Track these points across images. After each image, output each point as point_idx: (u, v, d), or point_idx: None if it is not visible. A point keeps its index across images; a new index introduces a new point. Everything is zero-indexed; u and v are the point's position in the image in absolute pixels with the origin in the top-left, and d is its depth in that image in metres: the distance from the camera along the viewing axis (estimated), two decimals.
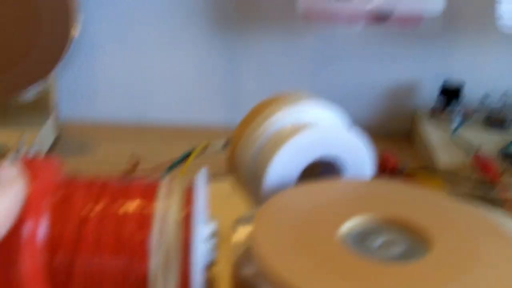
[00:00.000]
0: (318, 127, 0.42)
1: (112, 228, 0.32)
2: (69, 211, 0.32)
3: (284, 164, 0.41)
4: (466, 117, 0.66)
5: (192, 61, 0.69)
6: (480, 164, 0.55)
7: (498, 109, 0.66)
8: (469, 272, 0.32)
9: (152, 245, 0.31)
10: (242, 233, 0.38)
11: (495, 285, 0.31)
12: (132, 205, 0.33)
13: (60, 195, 0.33)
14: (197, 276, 0.30)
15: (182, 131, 0.71)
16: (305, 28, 0.63)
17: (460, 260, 0.33)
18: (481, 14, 0.66)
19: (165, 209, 0.32)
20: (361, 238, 0.35)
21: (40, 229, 0.31)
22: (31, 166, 0.32)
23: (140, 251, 0.31)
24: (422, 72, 0.70)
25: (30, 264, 0.30)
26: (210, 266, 0.33)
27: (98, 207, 0.33)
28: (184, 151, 0.61)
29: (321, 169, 0.43)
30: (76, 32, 0.58)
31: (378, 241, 0.35)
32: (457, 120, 0.65)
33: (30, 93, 0.62)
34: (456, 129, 0.64)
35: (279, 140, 0.42)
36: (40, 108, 0.65)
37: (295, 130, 0.42)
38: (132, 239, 0.31)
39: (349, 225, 0.36)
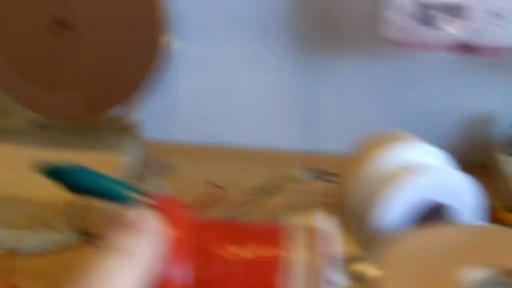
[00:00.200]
0: (429, 170, 0.42)
1: (242, 271, 0.32)
2: (211, 254, 0.33)
3: (393, 206, 0.42)
4: None
5: (271, 85, 0.70)
6: None
7: None
8: None
9: None
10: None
11: None
12: (259, 249, 0.33)
13: (198, 237, 0.33)
14: None
15: (259, 155, 0.71)
16: (387, 53, 0.63)
17: None
18: None
19: (292, 253, 0.33)
20: None
21: (184, 273, 0.31)
22: (166, 210, 0.33)
23: None
24: (501, 103, 0.69)
25: None
26: None
27: (237, 250, 0.33)
28: (266, 177, 0.62)
29: (429, 211, 0.43)
30: (167, 53, 0.59)
31: None
32: None
33: (119, 113, 0.63)
34: None
35: (390, 182, 0.42)
36: (125, 129, 0.65)
37: (407, 172, 0.42)
38: (266, 282, 0.32)
39: (473, 275, 0.37)
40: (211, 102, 0.71)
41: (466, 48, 0.59)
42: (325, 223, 0.33)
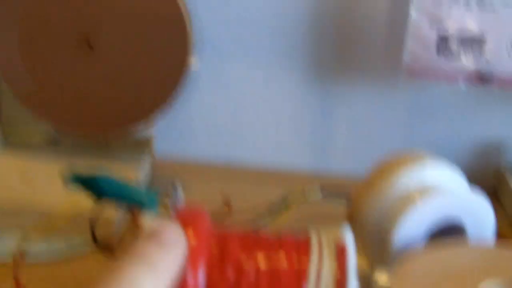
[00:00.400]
0: (446, 190, 0.43)
1: (268, 282, 0.32)
2: (226, 263, 0.33)
3: (411, 227, 0.42)
4: None
5: (284, 105, 0.71)
6: None
7: None
8: None
9: None
10: None
11: None
12: (287, 261, 0.33)
13: (216, 247, 0.33)
14: None
15: (271, 175, 0.71)
16: (402, 82, 0.64)
17: None
18: None
19: (319, 267, 0.33)
20: None
21: (199, 281, 0.31)
22: (188, 219, 0.33)
23: None
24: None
25: None
26: None
27: (255, 261, 0.33)
28: (277, 197, 0.62)
29: (443, 231, 0.44)
30: (188, 73, 0.59)
31: None
32: None
33: (134, 131, 0.63)
34: None
35: (407, 202, 0.42)
36: (139, 146, 0.66)
37: (423, 192, 0.42)
38: None
39: None
40: (224, 122, 0.72)
41: (481, 79, 0.60)
42: (349, 238, 0.34)
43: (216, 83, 0.70)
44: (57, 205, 0.55)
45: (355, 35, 0.67)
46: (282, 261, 0.33)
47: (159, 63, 0.58)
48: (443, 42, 0.59)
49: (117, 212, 0.55)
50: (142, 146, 0.66)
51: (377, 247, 0.44)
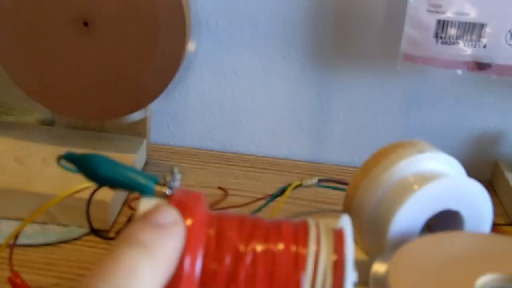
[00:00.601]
0: (444, 179, 0.43)
1: (266, 267, 0.32)
2: (223, 247, 0.32)
3: (409, 215, 0.42)
4: None
5: (281, 92, 0.70)
6: None
7: None
8: None
9: (305, 286, 0.31)
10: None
11: None
12: (285, 245, 0.33)
13: (213, 230, 0.33)
14: None
15: (266, 161, 0.71)
16: (400, 68, 0.63)
17: None
18: None
19: (317, 251, 0.33)
20: None
21: (197, 264, 0.31)
22: (184, 202, 0.33)
23: None
24: (508, 121, 0.70)
25: None
26: None
27: (252, 245, 0.33)
28: (274, 184, 0.62)
29: (441, 219, 0.44)
30: (187, 55, 0.59)
31: None
32: None
33: (132, 117, 0.63)
34: None
35: (404, 190, 0.42)
36: (135, 130, 0.65)
37: (421, 181, 0.42)
38: (287, 279, 0.32)
39: (483, 281, 0.37)
40: (221, 108, 0.71)
41: (479, 66, 0.60)
42: (347, 224, 0.34)
43: (213, 69, 0.70)
44: (52, 187, 0.55)
45: (353, 21, 0.66)
46: (280, 246, 0.33)
47: (157, 48, 0.58)
48: (441, 27, 0.58)
49: (112, 194, 0.55)
50: (138, 129, 0.66)
51: (375, 236, 0.44)
